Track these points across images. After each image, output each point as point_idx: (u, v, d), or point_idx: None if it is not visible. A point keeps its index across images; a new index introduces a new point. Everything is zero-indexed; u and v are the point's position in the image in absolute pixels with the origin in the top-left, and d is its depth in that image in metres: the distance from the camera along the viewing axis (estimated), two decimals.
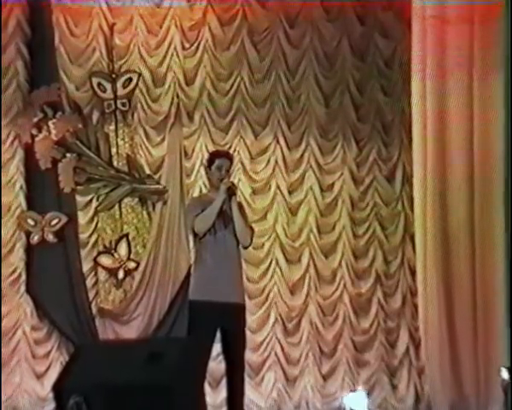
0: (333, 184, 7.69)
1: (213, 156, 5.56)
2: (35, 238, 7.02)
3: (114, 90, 7.20)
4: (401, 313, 7.72)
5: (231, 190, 5.31)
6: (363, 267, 7.72)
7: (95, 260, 7.18)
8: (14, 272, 6.99)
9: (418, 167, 7.58)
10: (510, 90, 7.15)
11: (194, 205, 5.48)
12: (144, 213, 7.28)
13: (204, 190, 7.35)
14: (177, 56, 7.36)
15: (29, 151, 7.03)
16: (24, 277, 6.99)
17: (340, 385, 7.52)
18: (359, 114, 7.73)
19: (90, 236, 7.19)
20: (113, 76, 7.22)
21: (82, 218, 7.17)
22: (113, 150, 7.24)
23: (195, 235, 5.36)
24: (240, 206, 5.48)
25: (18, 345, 6.96)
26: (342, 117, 7.70)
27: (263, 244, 7.49)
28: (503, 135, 7.26)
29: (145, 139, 7.33)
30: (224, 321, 5.31)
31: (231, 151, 7.40)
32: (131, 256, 7.22)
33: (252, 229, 5.50)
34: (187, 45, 7.40)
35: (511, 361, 6.92)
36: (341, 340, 7.61)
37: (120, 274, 7.20)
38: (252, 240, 5.47)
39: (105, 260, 7.20)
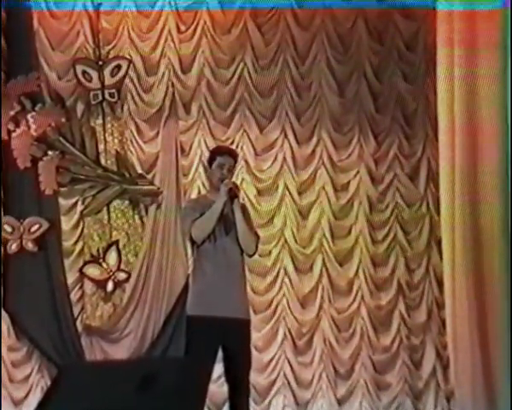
0: (348, 184, 7.68)
1: (214, 153, 5.55)
2: (12, 247, 7.03)
3: (101, 80, 7.21)
4: (426, 328, 7.70)
5: (233, 192, 5.29)
6: (383, 277, 7.70)
7: (80, 270, 7.19)
8: None
9: (445, 164, 7.57)
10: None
11: (192, 208, 5.45)
12: (136, 217, 7.28)
13: (203, 191, 7.33)
14: (172, 41, 7.38)
15: (5, 149, 7.02)
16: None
17: None
18: (377, 103, 7.71)
19: (75, 244, 7.21)
20: (100, 63, 7.24)
21: (66, 223, 7.19)
22: (101, 147, 7.26)
23: (193, 242, 5.34)
24: (243, 209, 5.45)
25: None
26: (358, 107, 7.67)
27: (270, 251, 7.49)
28: None
29: (136, 134, 7.33)
30: (226, 339, 5.29)
31: (234, 147, 7.38)
32: (122, 266, 7.23)
33: (257, 235, 5.49)
34: (183, 28, 7.42)
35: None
36: (359, 359, 7.59)
37: (109, 286, 7.20)
38: (257, 247, 5.46)
39: (92, 271, 7.20)
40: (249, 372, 5.42)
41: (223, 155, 5.44)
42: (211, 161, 5.46)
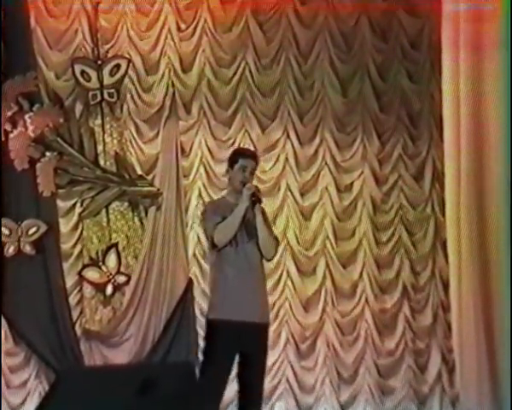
0: (352, 184, 7.69)
1: (237, 155, 5.55)
2: (10, 250, 6.98)
3: (100, 79, 7.18)
4: (432, 331, 7.72)
5: (256, 197, 5.30)
6: (388, 279, 7.72)
7: (79, 274, 7.16)
8: None
9: (450, 164, 7.61)
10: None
11: (213, 211, 5.44)
12: (136, 219, 7.26)
13: (204, 192, 7.40)
14: (172, 39, 7.37)
15: (2, 150, 6.99)
16: None
17: None
18: (381, 103, 7.73)
19: (74, 246, 7.18)
20: (99, 62, 7.20)
21: (64, 226, 7.15)
22: (100, 148, 7.23)
23: (213, 246, 5.34)
24: (263, 213, 5.47)
25: None
26: (362, 107, 7.69)
27: None
28: None
29: (136, 135, 7.31)
30: (246, 343, 5.31)
31: (235, 147, 7.41)
32: (121, 269, 7.20)
33: (276, 239, 5.56)
34: (183, 26, 7.41)
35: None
36: (363, 363, 7.61)
37: (109, 290, 7.17)
38: (276, 252, 5.56)
39: (91, 274, 7.17)
40: (264, 378, 5.46)
41: (246, 158, 5.45)
42: (232, 162, 5.45)
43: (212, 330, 5.38)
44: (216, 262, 5.40)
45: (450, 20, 7.43)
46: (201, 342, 5.69)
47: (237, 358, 5.36)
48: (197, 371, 6.97)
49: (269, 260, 5.49)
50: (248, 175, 5.37)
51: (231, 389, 7.20)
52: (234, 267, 5.28)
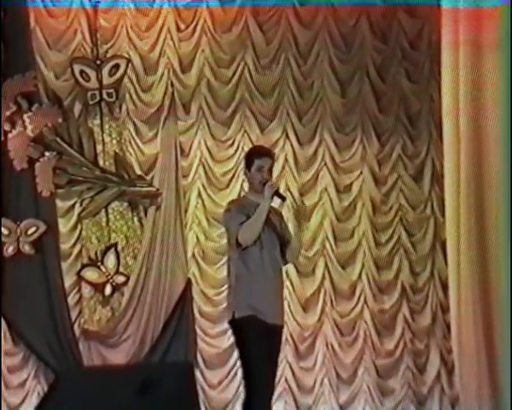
0: (351, 185, 7.68)
1: (252, 156, 5.46)
2: (9, 249, 7.00)
3: (99, 79, 7.20)
4: (431, 332, 7.72)
5: (279, 194, 5.27)
6: (387, 280, 7.71)
7: (78, 274, 7.17)
8: None
9: (450, 165, 7.57)
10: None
11: (237, 211, 5.35)
12: (135, 219, 7.27)
13: (203, 193, 7.39)
14: (172, 39, 7.38)
15: (1, 149, 6.98)
16: None
17: None
18: (381, 103, 7.73)
19: (73, 246, 7.20)
20: (98, 62, 7.22)
21: (63, 226, 7.17)
22: (99, 148, 7.24)
23: (239, 245, 5.26)
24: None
25: None
26: (361, 107, 7.68)
27: None
28: None
29: (135, 135, 7.32)
30: (267, 343, 5.22)
31: (234, 148, 7.46)
32: (120, 269, 7.21)
33: (300, 243, 5.54)
34: (182, 26, 7.42)
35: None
36: (362, 364, 7.61)
37: (107, 290, 7.17)
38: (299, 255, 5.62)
39: (90, 274, 7.17)
40: (275, 380, 5.35)
41: (261, 158, 5.37)
42: (249, 164, 5.39)
43: (242, 328, 5.23)
44: (240, 259, 5.28)
45: (450, 21, 7.42)
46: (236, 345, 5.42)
47: None
48: (196, 371, 7.02)
49: (287, 263, 5.43)
50: (266, 174, 5.29)
51: (230, 390, 7.29)
52: (259, 266, 5.20)
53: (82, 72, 7.14)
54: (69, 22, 7.17)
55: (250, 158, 5.40)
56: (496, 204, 7.42)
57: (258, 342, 5.14)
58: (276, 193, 5.24)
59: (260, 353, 5.13)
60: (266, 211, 5.19)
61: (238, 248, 5.24)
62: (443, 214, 7.68)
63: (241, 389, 7.15)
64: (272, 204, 5.25)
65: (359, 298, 7.60)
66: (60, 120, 7.10)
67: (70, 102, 7.17)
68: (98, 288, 7.14)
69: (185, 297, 7.23)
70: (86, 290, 7.15)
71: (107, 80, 7.18)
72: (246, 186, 7.31)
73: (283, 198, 5.31)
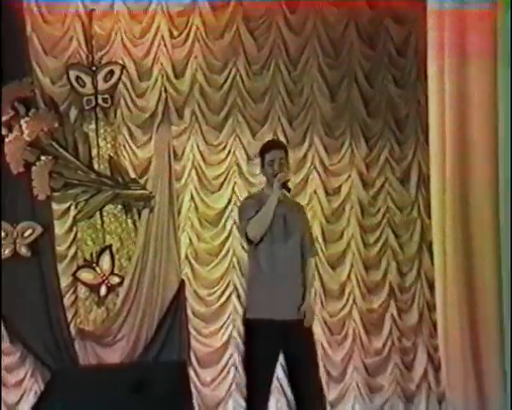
0: (340, 188, 7.68)
1: (262, 151, 5.48)
2: (6, 251, 6.98)
3: (94, 85, 7.18)
4: (418, 330, 7.73)
5: (286, 187, 5.25)
6: (375, 280, 7.71)
7: (74, 275, 7.15)
8: None
9: (436, 168, 7.58)
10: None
11: (249, 207, 5.33)
12: (129, 221, 7.26)
13: (195, 195, 7.40)
14: (165, 46, 7.35)
15: None
16: None
17: None
18: (369, 108, 7.73)
19: (69, 248, 7.15)
20: (93, 68, 7.19)
21: (59, 228, 7.13)
22: (94, 152, 7.22)
23: (249, 242, 5.25)
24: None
25: None
26: (350, 112, 7.69)
27: None
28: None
29: (129, 139, 7.30)
30: (287, 343, 5.21)
31: (226, 152, 7.46)
32: (115, 270, 7.19)
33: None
34: (175, 33, 7.39)
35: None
36: (351, 362, 7.61)
37: (103, 291, 7.16)
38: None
39: (85, 276, 7.16)
40: (317, 376, 5.34)
41: (270, 151, 5.38)
42: (262, 159, 5.43)
43: (251, 329, 5.26)
44: (253, 258, 5.29)
45: (435, 28, 7.43)
46: (242, 344, 5.57)
47: (283, 360, 5.26)
48: (189, 369, 7.03)
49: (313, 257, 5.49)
50: (278, 166, 5.28)
51: (223, 388, 7.28)
52: (270, 263, 5.18)
53: (78, 78, 7.13)
54: (65, 29, 7.14)
55: (261, 154, 5.43)
56: (480, 206, 7.41)
57: (265, 345, 5.12)
58: (284, 185, 5.22)
59: (264, 354, 5.12)
60: (274, 204, 5.16)
61: (250, 245, 5.23)
62: (429, 216, 7.70)
63: (234, 387, 7.29)
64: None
65: (348, 298, 7.60)
66: (56, 125, 7.08)
67: (66, 108, 7.15)
68: (93, 289, 7.13)
69: (178, 297, 7.22)
70: (82, 291, 7.13)
71: (102, 86, 7.16)
72: (237, 189, 7.45)
73: (288, 190, 5.30)
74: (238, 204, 7.24)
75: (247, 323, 5.31)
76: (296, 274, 5.29)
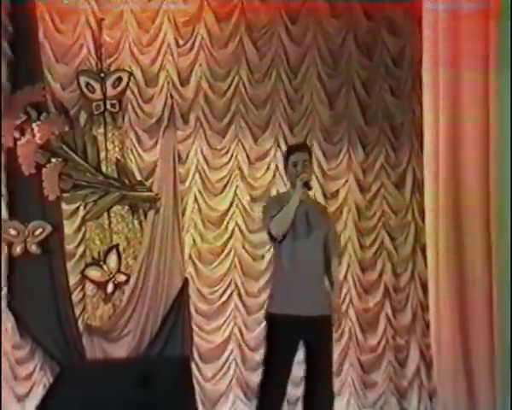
0: (337, 192, 7.73)
1: (287, 154, 5.55)
2: (17, 249, 7.00)
3: (103, 91, 7.20)
4: (411, 329, 7.76)
5: (307, 186, 5.32)
6: (371, 281, 7.75)
7: (82, 272, 7.18)
8: None
9: (430, 174, 7.56)
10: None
11: (272, 205, 5.41)
12: (135, 222, 7.28)
13: (199, 198, 7.46)
14: (171, 54, 7.38)
15: (11, 156, 7.00)
16: (5, 291, 6.93)
17: (346, 408, 7.54)
18: (366, 116, 7.78)
19: (77, 247, 7.19)
20: (102, 75, 7.22)
21: (68, 227, 7.16)
22: (102, 155, 7.25)
23: (273, 239, 5.30)
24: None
25: None
26: (348, 119, 7.74)
27: (263, 256, 7.48)
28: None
29: (136, 143, 7.33)
30: (307, 335, 5.27)
31: (229, 156, 7.53)
32: (121, 269, 7.22)
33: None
34: (181, 42, 7.43)
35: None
36: (347, 359, 7.63)
37: (109, 288, 7.19)
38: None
39: (93, 273, 7.20)
40: (331, 370, 5.37)
41: (293, 153, 5.45)
42: (286, 161, 5.50)
43: (271, 323, 5.30)
44: (276, 255, 5.34)
45: (430, 39, 7.43)
46: (263, 336, 5.58)
47: (304, 351, 5.31)
48: (192, 365, 7.09)
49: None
50: (301, 167, 5.33)
51: (224, 383, 7.32)
52: (290, 259, 5.21)
53: (87, 84, 7.17)
54: (75, 38, 7.18)
55: (286, 156, 5.52)
56: (472, 209, 7.36)
57: (284, 339, 5.16)
58: (306, 185, 5.29)
59: (284, 347, 5.15)
60: (296, 202, 5.19)
61: (274, 242, 5.27)
62: (423, 220, 7.70)
63: (234, 381, 7.31)
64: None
65: (345, 298, 7.60)
66: (66, 129, 7.12)
67: (76, 112, 7.18)
68: (101, 286, 7.17)
69: (182, 295, 7.26)
70: (89, 288, 7.17)
71: (110, 92, 7.20)
72: (239, 192, 7.50)
73: (309, 188, 5.39)
74: (240, 206, 7.37)
75: (268, 317, 5.38)
76: (318, 269, 5.32)
